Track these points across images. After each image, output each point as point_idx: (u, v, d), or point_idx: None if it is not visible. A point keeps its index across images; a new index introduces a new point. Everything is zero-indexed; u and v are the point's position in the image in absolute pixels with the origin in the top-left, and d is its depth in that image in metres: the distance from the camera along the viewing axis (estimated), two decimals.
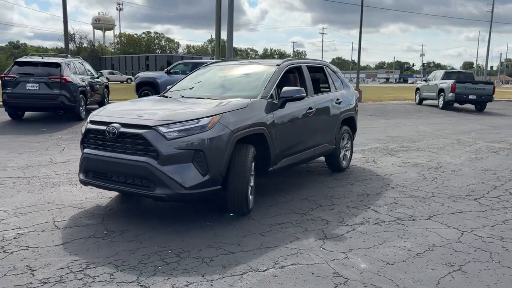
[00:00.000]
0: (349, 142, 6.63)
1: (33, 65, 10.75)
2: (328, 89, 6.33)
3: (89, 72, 13.03)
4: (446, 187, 5.65)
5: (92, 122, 4.23)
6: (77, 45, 77.11)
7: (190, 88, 5.40)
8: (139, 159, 3.80)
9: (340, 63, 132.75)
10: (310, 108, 5.37)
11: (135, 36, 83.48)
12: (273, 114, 4.65)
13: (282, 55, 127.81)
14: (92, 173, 4.19)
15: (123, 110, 4.37)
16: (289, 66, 5.43)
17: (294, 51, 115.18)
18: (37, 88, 10.49)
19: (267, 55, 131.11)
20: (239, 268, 3.09)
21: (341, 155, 6.41)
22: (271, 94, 4.81)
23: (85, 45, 77.28)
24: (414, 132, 11.54)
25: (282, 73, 5.18)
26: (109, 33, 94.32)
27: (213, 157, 3.86)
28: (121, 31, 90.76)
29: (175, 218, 4.21)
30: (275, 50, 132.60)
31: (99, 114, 4.38)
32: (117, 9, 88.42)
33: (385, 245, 3.59)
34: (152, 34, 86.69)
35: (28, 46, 77.92)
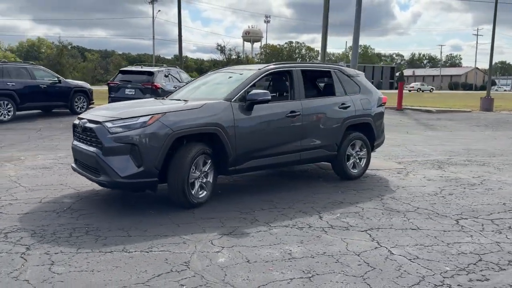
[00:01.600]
0: (364, 149, 6.32)
1: (133, 73, 12.66)
2: (332, 94, 6.18)
3: (186, 80, 14.62)
4: (446, 204, 5.03)
5: (78, 117, 5.12)
6: (227, 56, 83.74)
7: (187, 91, 5.96)
8: (91, 149, 4.51)
9: (504, 67, 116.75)
10: (293, 112, 5.41)
11: (278, 46, 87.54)
12: (234, 115, 4.88)
13: (431, 60, 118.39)
14: (77, 161, 5.07)
15: (103, 109, 5.15)
16: (272, 71, 5.56)
17: (441, 55, 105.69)
18: (133, 93, 12.33)
19: (414, 59, 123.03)
20: (118, 247, 3.52)
21: (349, 162, 6.16)
22: (241, 97, 5.04)
23: (233, 57, 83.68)
24: (508, 146, 10.00)
25: (259, 77, 5.36)
26: (257, 45, 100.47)
27: (147, 151, 4.33)
28: (267, 42, 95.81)
29: (136, 207, 4.79)
30: (423, 55, 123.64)
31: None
32: (265, 21, 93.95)
33: (274, 247, 3.57)
34: (293, 44, 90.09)
35: (189, 58, 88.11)
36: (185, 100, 5.21)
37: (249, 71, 5.56)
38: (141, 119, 4.40)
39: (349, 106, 6.09)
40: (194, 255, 3.38)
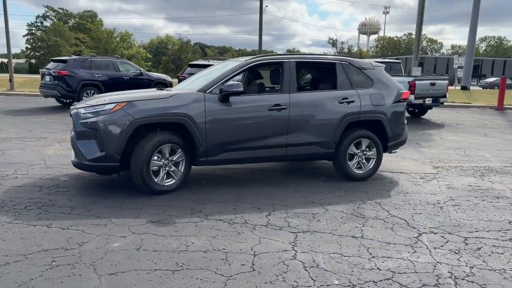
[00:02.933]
0: (373, 149, 5.79)
1: (200, 66, 13.24)
2: (333, 87, 5.75)
3: None
4: (432, 216, 4.39)
5: (71, 106, 5.63)
6: (338, 50, 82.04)
7: (189, 82, 6.10)
8: (72, 134, 4.95)
9: None
10: (277, 105, 5.21)
11: (395, 38, 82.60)
12: (206, 106, 4.90)
13: None
14: None
15: (100, 97, 5.58)
16: (257, 62, 5.41)
17: None
18: None
19: None
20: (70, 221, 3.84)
21: (352, 162, 5.70)
22: (216, 88, 5.03)
23: (345, 50, 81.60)
24: None
25: (239, 70, 5.27)
26: (375, 37, 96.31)
27: (109, 137, 4.59)
28: (384, 35, 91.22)
29: (113, 190, 5.13)
30: None
31: None
32: (384, 12, 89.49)
33: (180, 238, 3.53)
34: (412, 36, 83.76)
35: (300, 53, 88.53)
36: (169, 90, 5.37)
37: (236, 62, 5.49)
38: (107, 107, 4.68)
39: (352, 101, 5.62)
40: (99, 237, 3.52)
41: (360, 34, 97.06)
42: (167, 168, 4.84)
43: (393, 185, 5.65)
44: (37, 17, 75.04)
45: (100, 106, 4.71)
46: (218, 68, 5.90)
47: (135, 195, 4.72)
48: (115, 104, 4.69)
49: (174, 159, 4.88)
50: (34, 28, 69.69)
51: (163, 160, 4.80)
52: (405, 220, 4.22)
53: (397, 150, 6.35)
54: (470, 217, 4.38)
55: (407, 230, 3.95)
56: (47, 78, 13.35)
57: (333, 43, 79.59)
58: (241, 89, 4.92)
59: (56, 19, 70.42)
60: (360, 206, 4.63)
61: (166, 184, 4.85)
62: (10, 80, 19.73)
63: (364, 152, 5.76)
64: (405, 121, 6.21)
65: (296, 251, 3.37)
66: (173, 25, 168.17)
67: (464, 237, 3.81)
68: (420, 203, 4.82)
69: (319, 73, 6.35)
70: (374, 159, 5.83)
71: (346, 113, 5.55)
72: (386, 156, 7.14)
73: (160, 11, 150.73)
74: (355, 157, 5.72)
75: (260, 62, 5.44)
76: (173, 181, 4.91)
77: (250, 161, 5.52)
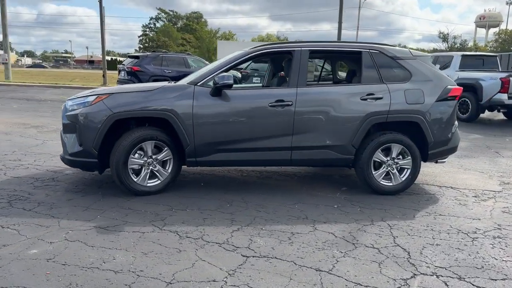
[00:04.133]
0: (408, 157, 4.73)
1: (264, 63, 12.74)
2: (356, 80, 4.80)
3: None
4: (453, 250, 3.32)
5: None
6: (449, 45, 75.85)
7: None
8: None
9: None
10: (280, 101, 4.47)
11: None
12: (194, 101, 4.37)
13: None
14: None
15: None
16: (263, 51, 4.69)
17: None
18: (259, 81, 12.43)
19: None
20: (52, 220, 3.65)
21: (379, 172, 4.71)
22: (209, 81, 4.48)
23: (458, 45, 74.97)
24: None
25: (240, 59, 4.62)
26: (494, 31, 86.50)
27: (86, 131, 4.30)
28: (507, 27, 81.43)
29: (102, 187, 4.87)
30: None
31: None
32: (507, 3, 79.88)
33: (101, 250, 3.05)
34: None
35: (407, 47, 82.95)
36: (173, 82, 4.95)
37: (239, 52, 4.84)
38: (89, 99, 4.40)
39: (380, 98, 4.62)
40: (26, 241, 3.19)
41: (478, 28, 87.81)
42: (150, 167, 4.41)
43: (430, 203, 4.53)
44: (151, 19, 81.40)
45: (83, 98, 4.45)
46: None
47: (116, 195, 4.38)
48: (96, 96, 4.39)
49: (159, 157, 4.43)
50: (147, 29, 75.73)
51: (146, 158, 4.38)
52: (408, 253, 3.22)
53: (445, 159, 5.14)
54: (507, 257, 3.20)
55: (400, 268, 2.98)
56: (122, 73, 13.97)
57: (444, 37, 73.31)
58: (231, 81, 4.29)
59: (166, 20, 75.64)
60: (362, 229, 3.71)
61: (148, 184, 4.43)
62: (104, 76, 21.36)
63: (395, 161, 4.71)
64: (455, 124, 4.97)
65: (226, 282, 2.67)
66: (277, 23, 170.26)
67: (478, 287, 2.73)
68: (448, 230, 3.73)
69: (339, 64, 5.42)
70: (409, 170, 4.75)
71: (370, 112, 4.57)
72: (441, 166, 5.93)
73: (265, 11, 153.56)
74: (383, 166, 4.71)
75: (266, 51, 4.73)
76: (158, 181, 4.47)
77: (249, 164, 4.86)
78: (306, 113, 4.52)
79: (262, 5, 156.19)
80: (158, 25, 75.72)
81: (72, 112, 4.40)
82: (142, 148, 4.35)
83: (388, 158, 4.70)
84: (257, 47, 4.76)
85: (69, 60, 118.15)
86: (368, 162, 4.64)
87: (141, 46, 71.50)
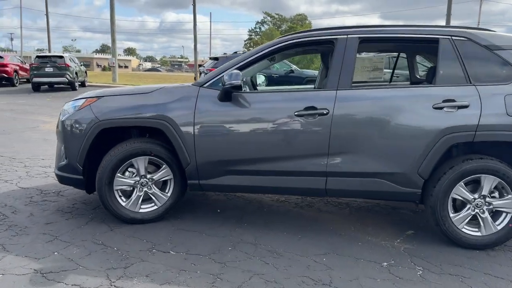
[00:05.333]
0: (507, 195, 3.15)
1: None
2: (427, 80, 3.35)
3: None
4: None
5: None
6: None
7: None
8: None
9: None
10: (310, 108, 3.24)
11: None
12: (197, 106, 3.36)
13: None
14: None
15: None
16: (292, 42, 3.45)
17: None
18: None
19: None
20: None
21: (461, 214, 3.21)
22: (218, 81, 3.43)
23: None
24: None
25: (259, 54, 3.46)
26: None
27: (70, 142, 3.53)
28: None
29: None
30: None
31: None
32: None
33: None
34: None
35: None
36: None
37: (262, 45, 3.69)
38: (78, 103, 3.64)
39: (465, 106, 3.11)
40: None
41: None
42: (144, 189, 3.51)
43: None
44: (257, 23, 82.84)
45: (76, 102, 3.70)
46: None
47: (104, 221, 3.57)
48: (85, 99, 3.61)
49: (155, 177, 3.50)
50: (253, 34, 77.15)
51: (138, 178, 3.48)
52: None
53: None
54: None
55: None
56: (202, 75, 13.59)
57: None
58: (238, 82, 3.17)
59: (271, 24, 76.22)
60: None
61: (142, 211, 3.53)
62: (195, 79, 21.55)
63: (487, 200, 3.16)
64: None
65: None
66: (388, 22, 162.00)
67: None
68: None
69: (405, 57, 3.93)
70: (509, 214, 3.15)
71: (448, 126, 3.10)
72: None
73: (376, 10, 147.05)
74: (467, 206, 3.19)
75: (295, 41, 3.47)
76: (154, 207, 3.55)
77: (268, 192, 3.70)
78: (348, 125, 3.21)
79: (373, 4, 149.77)
80: (263, 28, 76.67)
81: (61, 119, 3.68)
82: (134, 165, 3.46)
83: (476, 196, 3.16)
84: (285, 36, 3.56)
85: (183, 64, 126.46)
86: (443, 200, 3.16)
87: (246, 50, 73.04)
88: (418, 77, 4.60)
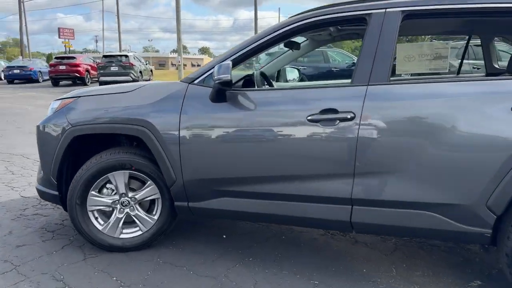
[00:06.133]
0: None
1: None
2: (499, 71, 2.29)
3: None
4: None
5: None
6: None
7: None
8: None
9: None
10: (330, 112, 2.35)
11: None
12: (183, 108, 2.62)
13: None
14: None
15: None
16: (311, 20, 2.55)
17: None
18: None
19: None
20: None
21: None
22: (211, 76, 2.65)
23: None
24: None
25: (271, 35, 2.61)
26: None
27: (43, 151, 2.98)
28: None
29: None
30: None
31: None
32: None
33: None
34: None
35: None
36: None
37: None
38: (55, 104, 3.07)
39: None
40: None
41: None
42: (126, 210, 2.85)
43: None
44: None
45: (54, 103, 3.14)
46: None
47: (82, 247, 2.97)
48: (61, 100, 3.03)
49: (137, 196, 2.83)
50: None
51: (116, 197, 2.83)
52: None
53: None
54: None
55: None
56: None
57: None
58: (227, 76, 2.36)
59: None
60: None
61: (123, 236, 2.88)
62: None
63: None
64: None
65: None
66: None
67: None
68: None
69: (478, 42, 2.82)
70: None
71: None
72: None
73: None
74: None
75: (310, 20, 2.56)
76: (138, 232, 2.88)
77: (274, 221, 2.84)
78: (383, 134, 2.28)
79: None
80: None
81: (39, 122, 3.13)
82: (107, 181, 2.81)
83: None
84: (298, 15, 2.67)
85: None
86: None
87: None
88: (497, 67, 3.45)
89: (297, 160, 2.42)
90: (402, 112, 2.26)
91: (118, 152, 2.78)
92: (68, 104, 2.91)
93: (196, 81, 2.66)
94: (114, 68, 18.05)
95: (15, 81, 24.13)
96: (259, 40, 2.61)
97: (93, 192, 2.79)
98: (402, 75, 3.53)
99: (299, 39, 3.71)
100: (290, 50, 3.71)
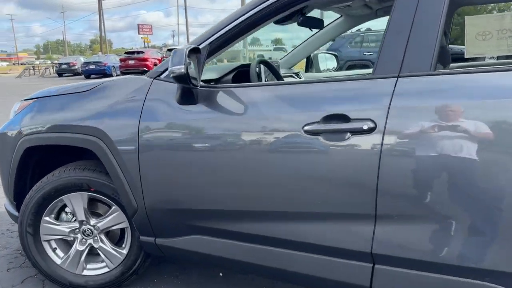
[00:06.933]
0: None
1: None
2: None
3: None
4: None
5: None
6: None
7: None
8: None
9: None
10: (336, 118, 1.52)
11: None
12: (141, 110, 1.92)
13: None
14: None
15: None
16: None
17: None
18: None
19: None
20: None
21: None
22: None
23: None
24: None
25: (249, 12, 1.80)
26: None
27: (1, 165, 2.46)
28: None
29: None
30: None
31: None
32: None
33: None
34: None
35: None
36: None
37: None
38: (17, 106, 2.53)
39: None
40: None
41: None
42: (88, 241, 2.24)
43: None
44: None
45: (16, 104, 2.61)
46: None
47: (45, 282, 2.43)
48: (21, 102, 2.49)
49: (100, 225, 2.21)
50: None
51: (75, 224, 2.23)
52: None
53: None
54: None
55: None
56: None
57: None
58: (182, 68, 1.59)
59: None
60: None
61: (87, 273, 2.29)
62: None
63: None
64: None
65: None
66: None
67: None
68: None
69: None
70: None
71: None
72: None
73: None
74: None
75: None
76: (105, 269, 2.26)
77: (264, 275, 2.00)
78: (422, 157, 1.38)
79: None
80: None
81: None
82: (60, 204, 2.22)
83: None
84: None
85: None
86: None
87: None
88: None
89: (288, 191, 1.62)
90: (456, 120, 1.36)
91: (73, 168, 2.16)
92: (26, 107, 2.36)
93: (163, 76, 1.94)
94: None
95: (91, 76, 25.33)
96: (248, 12, 1.82)
97: (46, 218, 2.22)
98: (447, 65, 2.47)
99: (329, 15, 2.87)
100: (319, 30, 2.88)
